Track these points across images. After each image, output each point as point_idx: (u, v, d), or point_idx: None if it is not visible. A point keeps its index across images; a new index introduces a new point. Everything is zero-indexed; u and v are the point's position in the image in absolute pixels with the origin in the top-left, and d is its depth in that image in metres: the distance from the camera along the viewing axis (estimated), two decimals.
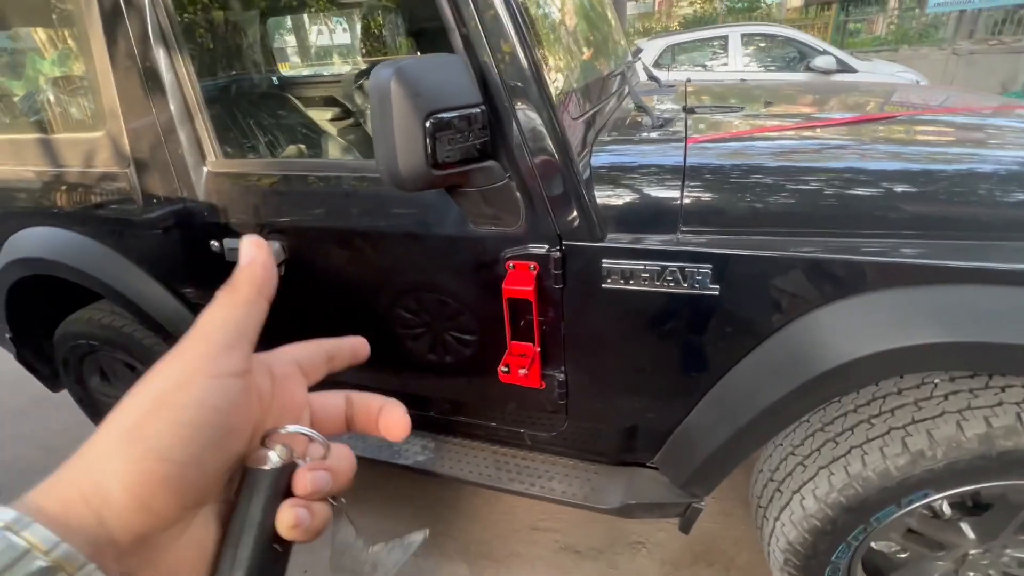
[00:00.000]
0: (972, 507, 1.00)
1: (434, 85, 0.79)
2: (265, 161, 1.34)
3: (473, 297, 1.10)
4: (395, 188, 0.84)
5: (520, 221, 0.98)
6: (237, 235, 1.23)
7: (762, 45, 5.66)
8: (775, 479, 1.08)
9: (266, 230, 1.21)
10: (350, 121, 2.50)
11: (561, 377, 1.12)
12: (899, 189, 0.90)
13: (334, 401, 0.32)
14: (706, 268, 0.91)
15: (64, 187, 1.40)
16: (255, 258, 0.28)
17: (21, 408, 2.29)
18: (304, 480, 0.26)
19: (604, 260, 0.97)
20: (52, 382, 1.88)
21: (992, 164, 0.92)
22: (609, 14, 1.80)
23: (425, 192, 1.04)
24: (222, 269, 1.28)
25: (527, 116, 0.90)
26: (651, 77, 1.81)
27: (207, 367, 0.24)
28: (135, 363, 1.62)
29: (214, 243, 1.26)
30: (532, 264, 1.00)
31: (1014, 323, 0.77)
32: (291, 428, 0.27)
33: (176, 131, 1.19)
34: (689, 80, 1.87)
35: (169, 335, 1.45)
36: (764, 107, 1.32)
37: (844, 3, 9.33)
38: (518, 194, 0.96)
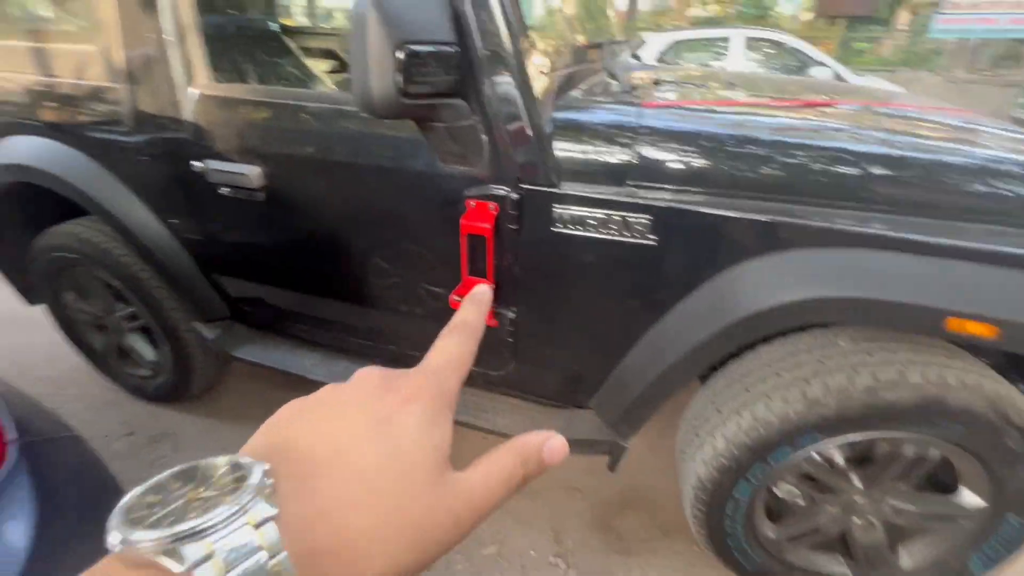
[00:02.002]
0: (859, 460, 1.12)
1: (411, 18, 0.86)
2: (251, 87, 1.40)
3: (435, 233, 1.18)
4: (367, 113, 0.91)
5: (483, 162, 1.06)
6: (221, 157, 1.30)
7: (769, 51, 5.74)
8: (695, 426, 1.19)
9: (248, 155, 1.28)
10: (346, 75, 2.54)
11: (512, 316, 1.21)
12: (817, 165, 1.00)
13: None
14: (646, 219, 1.01)
15: (57, 98, 1.44)
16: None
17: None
18: None
19: (556, 205, 1.05)
20: (29, 294, 1.93)
21: (907, 151, 1.02)
22: None
23: (400, 130, 1.12)
24: (203, 189, 1.34)
25: (497, 64, 0.98)
26: (635, 56, 1.90)
27: None
28: (112, 281, 1.67)
29: (196, 163, 1.32)
30: (492, 204, 1.08)
31: (894, 283, 0.88)
32: None
33: (169, 51, 1.25)
34: (675, 64, 1.95)
35: (150, 254, 1.52)
36: (727, 87, 1.41)
37: (852, 21, 9.44)
38: (483, 136, 1.04)
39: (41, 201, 1.67)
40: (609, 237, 1.05)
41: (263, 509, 0.19)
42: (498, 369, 1.34)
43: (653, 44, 5.79)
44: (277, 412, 0.25)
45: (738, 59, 5.49)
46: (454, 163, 1.09)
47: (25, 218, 1.76)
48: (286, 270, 1.47)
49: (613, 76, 1.27)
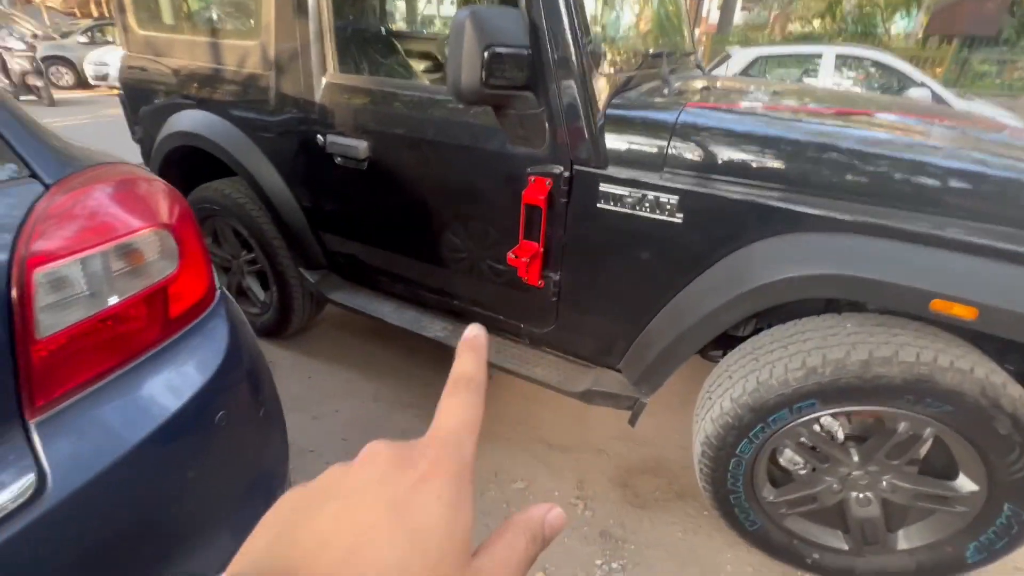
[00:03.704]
0: (859, 438, 1.23)
1: (496, 27, 1.11)
2: (366, 78, 1.72)
3: (501, 203, 1.43)
4: (455, 98, 1.17)
5: (544, 144, 1.29)
6: (338, 133, 1.63)
7: (871, 70, 5.50)
8: (709, 392, 1.35)
9: (359, 131, 1.59)
10: (440, 75, 2.88)
11: (556, 278, 1.43)
12: (834, 158, 1.12)
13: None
14: (673, 199, 1.19)
15: (220, 81, 1.85)
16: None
17: None
18: None
19: (601, 184, 1.26)
20: None
21: (910, 152, 1.11)
22: (680, 10, 2.06)
23: (479, 117, 1.38)
24: (322, 158, 1.68)
25: (561, 65, 1.21)
26: (698, 66, 2.05)
27: None
28: (242, 230, 2.07)
29: (319, 137, 1.66)
30: (548, 180, 1.31)
31: (886, 264, 1.00)
32: None
33: (310, 47, 1.59)
34: (735, 75, 2.08)
35: (272, 207, 1.89)
36: (771, 95, 1.54)
37: (973, 42, 8.68)
38: (546, 124, 1.27)
39: (198, 164, 2.11)
40: (642, 214, 1.24)
41: None
42: (542, 327, 1.56)
43: (739, 58, 5.76)
44: (278, 502, 0.23)
45: (829, 76, 5.34)
46: (520, 144, 1.33)
47: (185, 177, 2.21)
48: (376, 230, 1.78)
49: (665, 82, 1.46)
